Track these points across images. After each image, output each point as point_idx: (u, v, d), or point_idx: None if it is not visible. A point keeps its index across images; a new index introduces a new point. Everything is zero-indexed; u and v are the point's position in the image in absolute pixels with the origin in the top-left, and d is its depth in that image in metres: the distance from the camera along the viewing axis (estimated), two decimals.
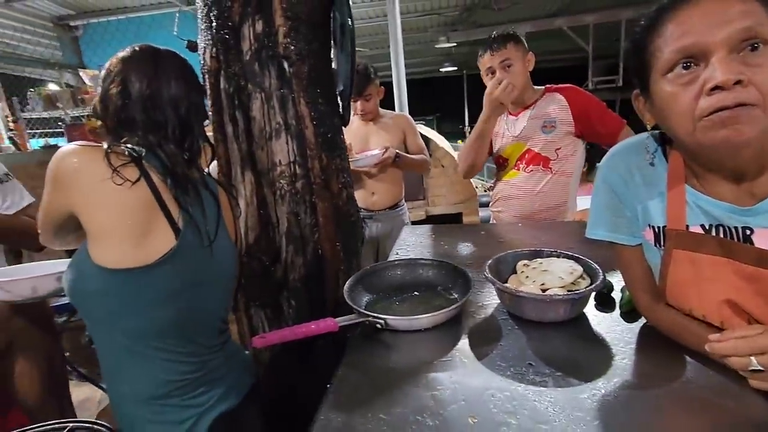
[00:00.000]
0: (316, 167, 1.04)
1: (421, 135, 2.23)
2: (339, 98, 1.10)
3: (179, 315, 0.78)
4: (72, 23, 5.00)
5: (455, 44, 8.01)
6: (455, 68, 11.64)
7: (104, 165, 0.70)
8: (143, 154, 0.75)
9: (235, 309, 1.14)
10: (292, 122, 1.00)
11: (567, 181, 1.63)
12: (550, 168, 1.59)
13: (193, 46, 1.02)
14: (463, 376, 0.72)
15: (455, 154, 3.60)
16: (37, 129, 3.86)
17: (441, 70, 11.48)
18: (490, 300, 0.96)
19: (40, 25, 4.76)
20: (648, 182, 0.73)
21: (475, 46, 8.99)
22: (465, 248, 1.33)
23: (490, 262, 0.95)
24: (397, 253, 1.32)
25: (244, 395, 0.91)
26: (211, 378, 0.84)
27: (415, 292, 1.01)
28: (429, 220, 3.37)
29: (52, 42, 4.91)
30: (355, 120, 2.04)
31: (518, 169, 1.64)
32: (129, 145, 0.75)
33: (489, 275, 0.89)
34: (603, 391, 0.65)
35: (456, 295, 0.96)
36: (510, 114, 1.64)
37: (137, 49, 0.82)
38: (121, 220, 0.71)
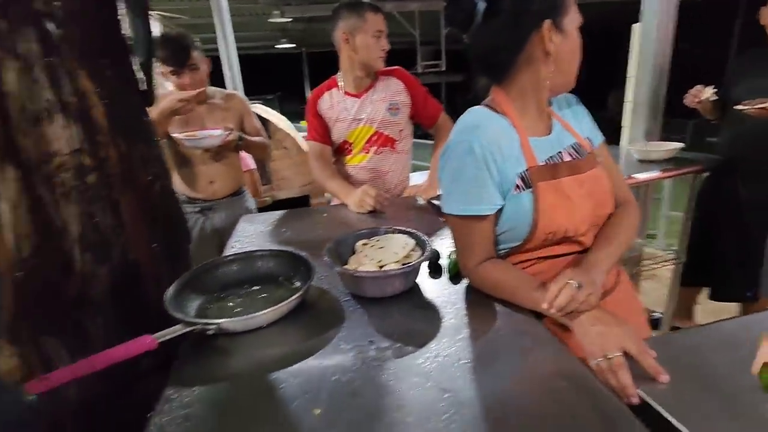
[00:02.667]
0: (112, 156, 0.85)
1: (259, 116, 2.08)
2: (141, 72, 0.91)
3: None
4: None
5: (290, 19, 7.73)
6: (293, 45, 11.31)
7: None
8: None
9: (16, 342, 0.88)
10: (70, 100, 0.79)
11: (408, 159, 1.74)
12: (396, 148, 1.67)
13: None
14: (306, 367, 0.69)
15: (297, 135, 3.51)
16: None
17: (277, 46, 11.00)
18: (332, 284, 0.95)
19: None
20: (507, 141, 0.85)
21: (311, 23, 8.84)
22: (307, 233, 1.30)
23: (329, 245, 0.94)
24: (234, 246, 1.21)
25: None
26: None
27: (255, 287, 0.94)
28: (275, 205, 3.23)
29: None
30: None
31: (367, 152, 1.66)
32: None
33: (328, 259, 0.87)
34: (435, 353, 0.71)
35: (299, 284, 0.93)
36: (349, 95, 1.64)
37: None
38: None
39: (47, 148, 0.79)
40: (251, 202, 2.01)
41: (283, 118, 3.80)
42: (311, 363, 0.70)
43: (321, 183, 1.63)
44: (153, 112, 1.51)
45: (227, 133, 1.68)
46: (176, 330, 0.71)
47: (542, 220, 0.84)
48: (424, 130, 1.78)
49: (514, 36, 0.83)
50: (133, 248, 0.89)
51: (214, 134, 1.66)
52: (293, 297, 0.79)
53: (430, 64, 9.21)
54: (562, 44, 0.82)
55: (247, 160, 2.53)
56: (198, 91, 1.64)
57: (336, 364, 0.69)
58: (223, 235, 1.82)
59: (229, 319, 0.75)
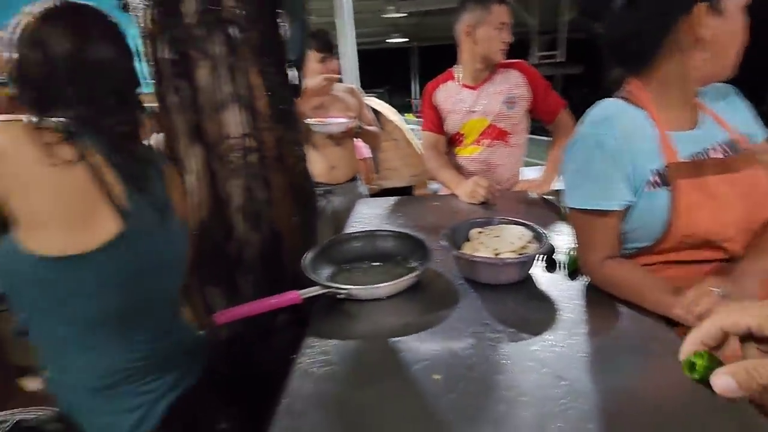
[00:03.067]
0: (269, 140, 1.01)
1: (372, 108, 2.23)
2: (292, 69, 1.06)
3: (128, 302, 0.73)
4: None
5: (405, 14, 7.90)
6: (405, 39, 11.53)
7: (31, 143, 0.62)
8: (76, 129, 0.67)
9: (187, 289, 1.10)
10: (243, 93, 0.96)
11: (520, 154, 1.72)
12: (509, 142, 1.66)
13: (126, 6, 0.93)
14: (424, 338, 0.75)
15: (406, 128, 3.61)
16: None
17: (388, 41, 11.31)
18: (446, 267, 1.00)
19: None
20: (642, 135, 0.81)
21: (425, 17, 8.93)
22: (421, 219, 1.37)
23: (446, 230, 0.99)
24: (353, 227, 1.33)
25: (198, 377, 0.89)
26: (163, 363, 0.81)
27: (375, 263, 1.03)
28: (381, 193, 3.39)
29: None
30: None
31: (479, 144, 1.68)
32: (59, 119, 0.67)
33: (444, 243, 0.93)
34: (550, 343, 0.72)
35: (415, 264, 1.00)
36: (466, 87, 1.66)
37: (56, 4, 0.70)
38: (57, 204, 0.64)
39: (223, 132, 0.98)
40: (364, 189, 2.16)
41: (394, 110, 3.95)
42: (428, 335, 0.76)
43: (433, 172, 1.69)
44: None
45: (351, 120, 1.84)
46: (315, 290, 0.83)
47: (680, 220, 0.78)
48: (543, 125, 1.72)
49: (658, 22, 0.77)
50: (278, 220, 1.05)
51: (341, 121, 1.84)
52: (413, 273, 0.86)
53: (546, 54, 8.65)
54: (720, 27, 0.75)
55: (363, 149, 2.71)
56: (337, 76, 1.87)
57: (452, 339, 0.74)
58: (339, 218, 1.99)
59: (358, 287, 0.85)
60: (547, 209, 1.39)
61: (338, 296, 0.85)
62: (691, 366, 0.37)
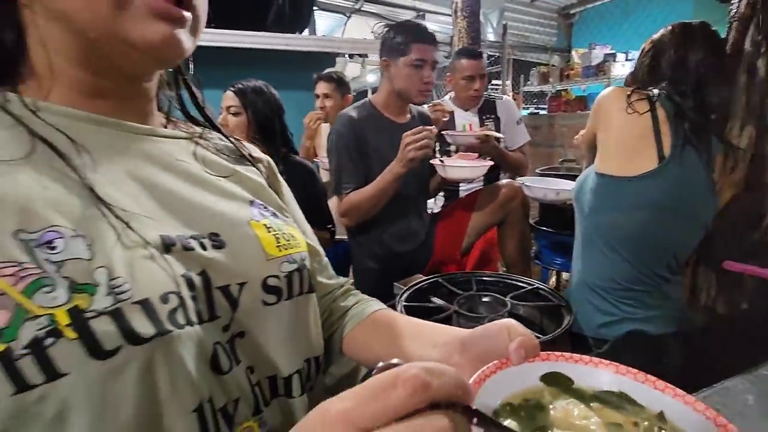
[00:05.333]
0: None
1: None
2: None
3: (635, 228, 0.92)
4: (571, 11, 5.78)
5: None
6: None
7: (623, 99, 0.92)
8: (659, 96, 0.91)
9: (686, 263, 1.15)
10: None
11: None
12: None
13: None
14: None
15: None
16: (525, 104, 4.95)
17: None
18: None
19: (547, 17, 5.82)
20: None
21: None
22: None
23: None
24: None
25: (665, 332, 0.96)
26: (640, 298, 0.95)
27: None
28: None
29: (549, 30, 5.91)
30: None
31: None
32: (651, 89, 0.93)
33: None
34: None
35: None
36: None
37: (669, 28, 0.96)
38: (621, 137, 0.92)
39: None
40: None
41: None
42: None
43: None
44: None
45: None
46: None
47: None
48: None
49: None
50: None
51: None
52: None
53: None
54: None
55: None
56: None
57: None
58: None
59: None
60: None
61: None
62: None
